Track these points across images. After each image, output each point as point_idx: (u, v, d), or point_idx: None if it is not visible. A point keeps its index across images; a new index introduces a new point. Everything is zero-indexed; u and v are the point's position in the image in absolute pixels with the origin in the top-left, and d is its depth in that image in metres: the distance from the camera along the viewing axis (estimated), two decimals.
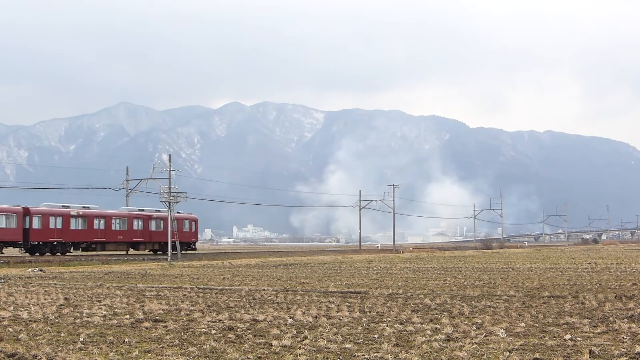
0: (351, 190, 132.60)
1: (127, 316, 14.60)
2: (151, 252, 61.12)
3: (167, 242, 58.30)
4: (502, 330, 11.94)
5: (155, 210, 60.31)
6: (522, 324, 12.86)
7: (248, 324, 13.25)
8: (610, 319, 13.62)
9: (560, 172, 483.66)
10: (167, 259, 50.76)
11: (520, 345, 10.52)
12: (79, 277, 29.91)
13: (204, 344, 10.86)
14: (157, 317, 14.37)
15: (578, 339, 11.15)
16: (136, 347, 10.68)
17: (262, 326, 12.99)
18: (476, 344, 10.72)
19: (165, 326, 13.05)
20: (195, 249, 65.06)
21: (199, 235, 74.20)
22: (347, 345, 10.59)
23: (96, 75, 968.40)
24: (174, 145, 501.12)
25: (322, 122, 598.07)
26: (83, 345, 10.84)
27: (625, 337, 11.33)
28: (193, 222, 64.07)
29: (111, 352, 10.29)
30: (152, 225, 59.62)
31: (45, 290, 21.99)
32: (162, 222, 59.85)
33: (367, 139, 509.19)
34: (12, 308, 16.46)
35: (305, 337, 11.41)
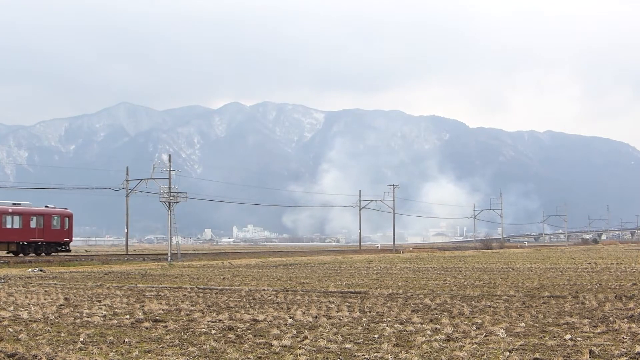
0: (348, 190, 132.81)
1: (127, 316, 14.60)
2: (11, 254, 50.87)
3: (29, 243, 51.10)
4: (502, 330, 11.94)
5: (14, 204, 51.57)
6: (522, 324, 12.86)
7: (248, 324, 13.25)
8: (610, 319, 13.62)
9: (560, 172, 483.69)
10: (166, 259, 50.79)
11: (520, 345, 10.53)
12: (79, 277, 29.91)
13: (204, 344, 10.86)
14: (157, 317, 14.37)
15: (578, 339, 11.15)
16: (136, 347, 10.68)
17: (262, 326, 12.99)
18: (476, 344, 10.72)
19: (165, 326, 13.05)
20: (69, 250, 55.01)
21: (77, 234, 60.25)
22: (347, 345, 10.59)
23: (96, 75, 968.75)
24: (174, 145, 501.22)
25: (322, 122, 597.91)
26: (83, 345, 10.84)
27: (625, 337, 11.34)
28: (66, 218, 54.17)
29: (111, 352, 10.29)
30: (8, 222, 49.84)
31: (45, 290, 21.99)
32: (21, 217, 50.54)
33: (367, 139, 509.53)
34: (12, 308, 16.46)
35: (305, 337, 11.41)
